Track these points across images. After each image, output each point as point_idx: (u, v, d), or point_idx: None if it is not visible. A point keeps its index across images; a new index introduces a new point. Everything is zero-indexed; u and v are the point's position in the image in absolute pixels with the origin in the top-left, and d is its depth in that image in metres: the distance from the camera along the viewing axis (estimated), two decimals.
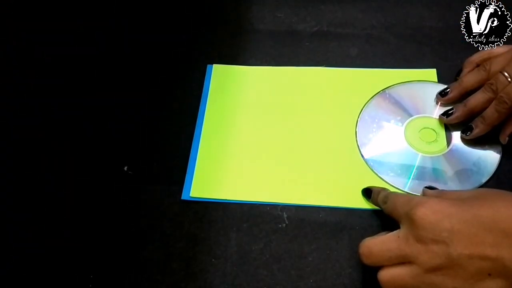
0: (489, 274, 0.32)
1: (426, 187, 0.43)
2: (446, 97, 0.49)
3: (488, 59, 0.47)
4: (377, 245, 0.37)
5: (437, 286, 0.34)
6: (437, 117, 0.49)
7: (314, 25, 0.58)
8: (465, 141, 0.47)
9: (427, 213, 0.34)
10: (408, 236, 0.35)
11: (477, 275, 0.33)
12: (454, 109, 0.47)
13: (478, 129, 0.45)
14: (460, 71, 0.50)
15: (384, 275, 0.36)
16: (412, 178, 0.46)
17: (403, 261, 0.35)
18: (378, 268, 0.36)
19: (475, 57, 0.49)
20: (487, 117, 0.45)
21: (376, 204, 0.43)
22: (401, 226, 0.37)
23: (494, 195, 0.36)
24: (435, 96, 0.50)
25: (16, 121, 0.53)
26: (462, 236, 0.33)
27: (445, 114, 0.48)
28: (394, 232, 0.37)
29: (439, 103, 0.49)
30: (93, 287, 0.42)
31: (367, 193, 0.44)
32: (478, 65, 0.48)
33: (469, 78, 0.47)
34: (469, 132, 0.46)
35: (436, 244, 0.33)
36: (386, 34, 0.56)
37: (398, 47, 0.55)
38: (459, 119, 0.47)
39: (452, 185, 0.45)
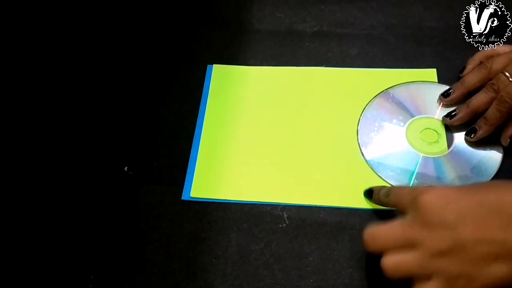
0: (495, 259, 0.32)
1: None
2: (449, 98, 0.49)
3: (491, 57, 0.47)
4: (381, 230, 0.36)
5: (442, 271, 0.33)
6: (439, 118, 0.49)
7: (314, 25, 0.58)
8: (468, 142, 0.47)
9: (434, 197, 0.34)
10: (414, 222, 0.35)
11: (483, 259, 0.32)
12: (457, 110, 0.47)
13: (482, 130, 0.45)
14: (463, 69, 0.50)
15: (388, 261, 0.35)
16: (413, 179, 0.46)
17: (407, 246, 0.35)
18: (380, 264, 0.36)
19: (480, 55, 0.49)
20: (489, 118, 0.45)
21: (378, 202, 0.43)
22: (406, 216, 0.36)
23: (498, 182, 0.36)
24: (437, 97, 0.50)
25: (16, 121, 0.53)
26: (468, 220, 0.33)
27: (448, 115, 0.48)
28: (399, 219, 0.36)
29: (441, 104, 0.49)
30: (93, 287, 0.42)
31: (369, 194, 0.44)
32: (481, 63, 0.48)
33: (470, 77, 0.48)
34: (473, 134, 0.46)
35: (442, 228, 0.33)
36: (386, 34, 0.56)
37: (398, 47, 0.55)
38: (463, 120, 0.47)
39: None
